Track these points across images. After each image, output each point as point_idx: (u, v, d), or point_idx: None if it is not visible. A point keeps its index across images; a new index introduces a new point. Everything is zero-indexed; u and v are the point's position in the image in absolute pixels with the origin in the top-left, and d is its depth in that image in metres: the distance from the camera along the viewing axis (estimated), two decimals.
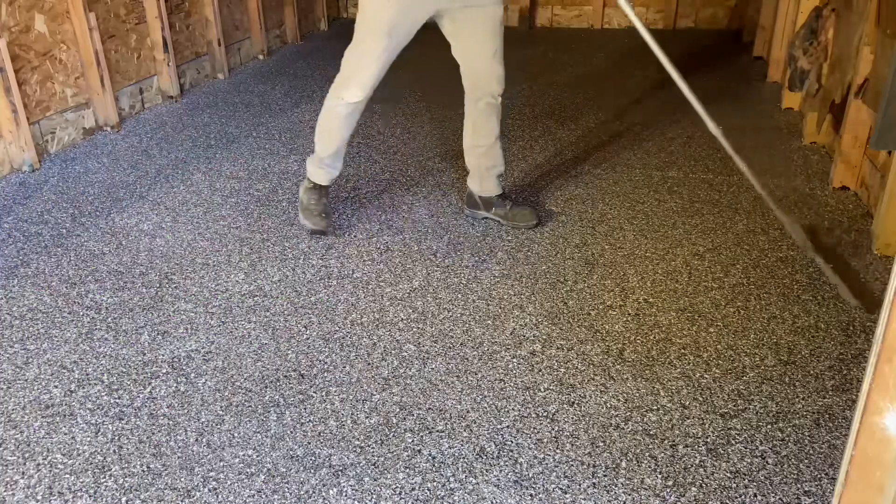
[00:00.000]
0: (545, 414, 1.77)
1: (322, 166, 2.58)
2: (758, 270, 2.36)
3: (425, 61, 4.80)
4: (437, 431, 1.73)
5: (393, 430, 1.73)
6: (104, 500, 1.56)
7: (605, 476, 1.60)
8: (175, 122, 3.79)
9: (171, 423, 1.77)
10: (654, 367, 1.93)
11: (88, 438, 1.72)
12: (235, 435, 1.73)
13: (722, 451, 1.65)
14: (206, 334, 2.09)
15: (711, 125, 2.31)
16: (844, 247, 2.47)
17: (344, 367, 1.95)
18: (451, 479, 1.60)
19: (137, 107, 3.89)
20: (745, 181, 2.97)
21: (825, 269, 2.26)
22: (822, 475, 1.59)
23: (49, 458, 1.67)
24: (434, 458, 1.65)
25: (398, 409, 1.80)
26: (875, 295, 2.20)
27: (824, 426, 1.72)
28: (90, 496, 1.57)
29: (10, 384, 1.91)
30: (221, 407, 1.82)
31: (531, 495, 1.55)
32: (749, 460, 1.63)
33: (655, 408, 1.79)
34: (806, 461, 1.63)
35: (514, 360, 1.97)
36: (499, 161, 2.62)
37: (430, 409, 1.80)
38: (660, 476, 1.59)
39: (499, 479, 1.59)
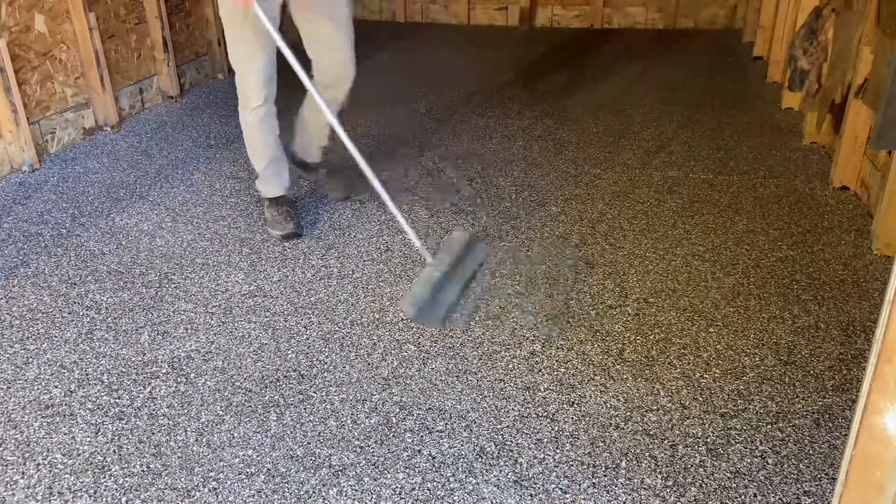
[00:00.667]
0: (545, 414, 1.77)
1: (267, 179, 2.63)
2: (758, 270, 2.36)
3: (424, 62, 4.81)
4: (437, 431, 1.73)
5: (393, 430, 1.73)
6: (104, 500, 1.56)
7: (605, 476, 1.60)
8: (175, 122, 3.79)
9: (171, 423, 1.77)
10: (654, 367, 1.93)
11: (88, 438, 1.72)
12: (235, 435, 1.73)
13: (722, 451, 1.65)
14: (206, 334, 2.09)
15: (334, 122, 2.27)
16: (844, 247, 2.47)
17: (344, 367, 1.95)
18: (451, 479, 1.60)
19: (137, 107, 3.89)
20: (746, 181, 2.98)
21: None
22: (822, 475, 1.59)
23: (49, 458, 1.67)
24: (434, 458, 1.65)
25: (398, 409, 1.80)
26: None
27: (824, 426, 1.72)
28: (90, 496, 1.57)
29: (10, 384, 1.91)
30: (221, 407, 1.82)
31: (531, 495, 1.55)
32: (749, 460, 1.63)
33: (655, 408, 1.79)
34: (806, 461, 1.63)
35: (514, 360, 1.97)
36: (325, 137, 2.69)
37: (430, 409, 1.80)
38: (660, 476, 1.59)
39: (499, 479, 1.59)
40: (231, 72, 4.62)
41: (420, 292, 2.06)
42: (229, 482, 1.60)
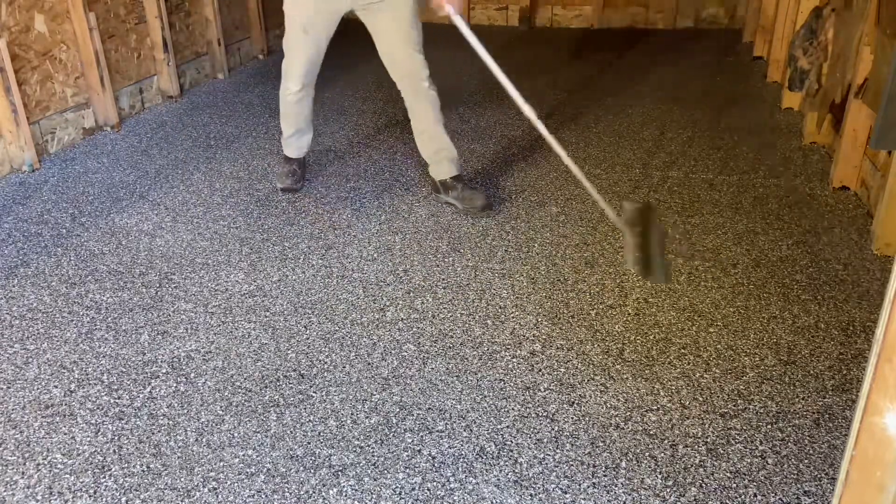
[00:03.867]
0: (545, 414, 1.77)
1: (289, 143, 2.95)
2: (758, 270, 2.36)
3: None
4: (437, 431, 1.73)
5: (393, 430, 1.73)
6: (104, 500, 1.56)
7: (605, 476, 1.60)
8: (175, 121, 3.79)
9: (171, 423, 1.77)
10: (654, 367, 1.93)
11: (88, 438, 1.72)
12: (235, 435, 1.73)
13: (722, 451, 1.65)
14: (206, 334, 2.09)
15: (528, 111, 2.36)
16: (844, 247, 2.47)
17: (344, 367, 1.95)
18: (451, 479, 1.60)
19: (137, 107, 3.89)
20: (746, 181, 2.98)
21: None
22: (822, 475, 1.59)
23: (49, 458, 1.67)
24: (434, 458, 1.65)
25: (398, 409, 1.80)
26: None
27: (824, 426, 1.72)
28: (90, 496, 1.57)
29: (10, 384, 1.90)
30: (221, 407, 1.82)
31: (531, 495, 1.55)
32: (749, 460, 1.63)
33: (655, 408, 1.79)
34: (806, 461, 1.63)
35: (514, 360, 1.97)
36: (445, 144, 2.76)
37: (430, 409, 1.80)
38: (660, 476, 1.59)
39: (499, 479, 1.59)
40: (231, 72, 4.63)
41: (636, 256, 2.23)
42: (229, 482, 1.60)
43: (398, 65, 2.63)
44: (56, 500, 1.56)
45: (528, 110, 2.33)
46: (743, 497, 1.54)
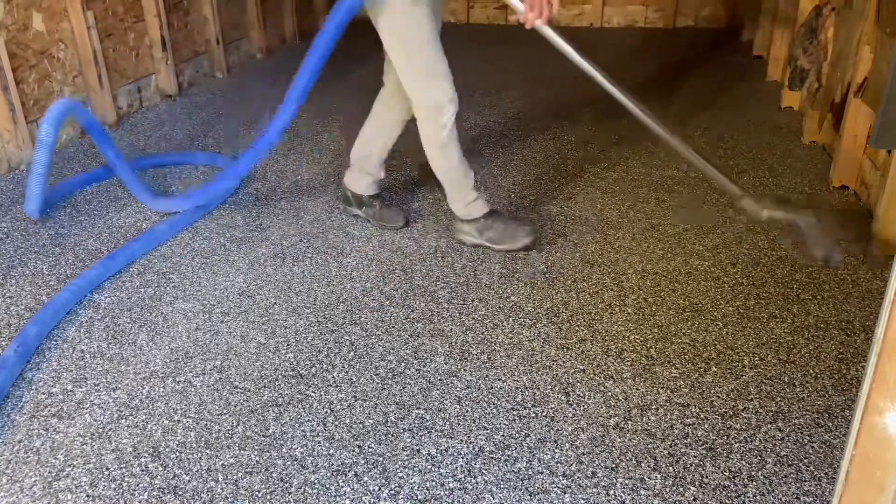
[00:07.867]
0: (545, 414, 1.77)
1: (481, 196, 2.46)
2: (758, 270, 2.36)
3: None
4: (437, 431, 1.72)
5: (392, 429, 1.73)
6: (103, 500, 1.55)
7: (605, 476, 1.59)
8: (173, 121, 3.78)
9: (169, 422, 1.76)
10: (653, 366, 1.93)
11: (88, 439, 1.72)
12: (234, 435, 1.72)
13: (722, 451, 1.65)
14: (204, 334, 2.09)
15: None
16: (843, 246, 2.47)
17: (343, 366, 1.95)
18: (451, 478, 1.59)
19: (136, 105, 3.89)
20: (746, 180, 2.98)
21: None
22: (822, 475, 1.59)
23: (47, 458, 1.66)
24: (433, 457, 1.65)
25: (397, 409, 1.79)
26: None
27: (824, 426, 1.72)
28: (88, 496, 1.56)
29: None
30: (220, 407, 1.81)
31: (531, 495, 1.55)
32: (749, 460, 1.62)
33: (655, 408, 1.78)
34: (806, 461, 1.62)
35: (514, 359, 1.96)
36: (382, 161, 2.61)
37: (429, 408, 1.79)
38: (660, 476, 1.59)
39: (498, 479, 1.59)
40: (230, 71, 4.62)
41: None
42: (228, 482, 1.59)
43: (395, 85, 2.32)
44: (54, 500, 1.56)
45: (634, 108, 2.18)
46: (743, 497, 1.54)
